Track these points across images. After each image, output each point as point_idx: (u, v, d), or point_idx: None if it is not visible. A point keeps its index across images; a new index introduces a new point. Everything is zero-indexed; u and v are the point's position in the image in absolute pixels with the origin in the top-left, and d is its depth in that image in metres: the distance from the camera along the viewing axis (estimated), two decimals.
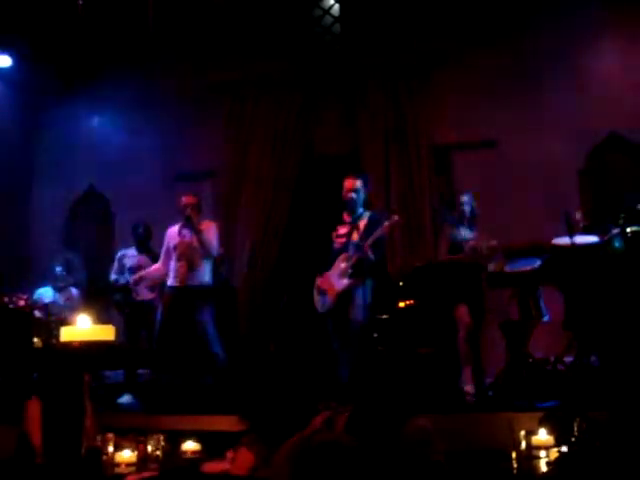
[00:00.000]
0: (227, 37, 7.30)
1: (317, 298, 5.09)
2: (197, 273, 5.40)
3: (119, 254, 6.29)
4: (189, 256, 5.38)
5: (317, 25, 7.56)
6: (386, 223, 4.89)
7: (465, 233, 5.21)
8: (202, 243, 5.37)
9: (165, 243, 5.58)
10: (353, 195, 5.03)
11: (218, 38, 7.31)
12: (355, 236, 4.97)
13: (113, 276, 6.19)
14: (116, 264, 6.23)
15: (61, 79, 7.59)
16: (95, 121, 7.82)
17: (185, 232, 5.45)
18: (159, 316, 5.45)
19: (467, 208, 5.23)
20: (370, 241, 4.83)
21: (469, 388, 4.81)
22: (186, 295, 5.35)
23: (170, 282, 5.45)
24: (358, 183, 5.08)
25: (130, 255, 6.18)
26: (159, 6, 6.60)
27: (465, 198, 5.25)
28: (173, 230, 5.57)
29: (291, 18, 7.40)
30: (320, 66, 7.27)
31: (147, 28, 6.68)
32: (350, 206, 5.06)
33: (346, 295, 4.91)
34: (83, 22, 6.72)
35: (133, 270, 5.99)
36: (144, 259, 6.09)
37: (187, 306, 5.34)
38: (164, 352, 5.31)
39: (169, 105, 7.41)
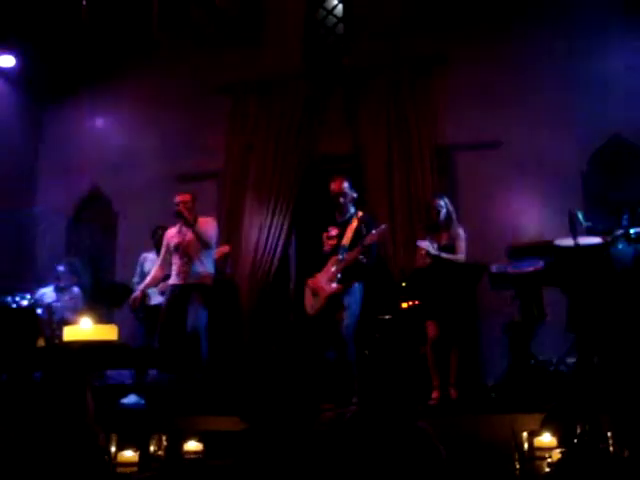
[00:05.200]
0: (229, 38, 7.30)
1: (309, 300, 5.09)
2: (197, 269, 5.40)
3: (141, 257, 6.26)
4: (190, 253, 5.39)
5: (321, 26, 7.56)
6: (373, 232, 4.90)
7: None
8: (197, 235, 5.36)
9: (164, 245, 5.58)
10: (341, 198, 5.06)
11: (221, 39, 7.31)
12: (345, 240, 4.98)
13: (135, 279, 6.13)
14: (138, 268, 6.20)
15: (64, 80, 7.60)
16: (98, 122, 7.82)
17: (185, 230, 5.46)
18: (160, 315, 5.43)
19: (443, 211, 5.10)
20: (354, 254, 4.84)
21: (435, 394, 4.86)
22: (186, 292, 5.36)
23: (172, 280, 5.46)
24: (345, 184, 5.10)
25: (150, 259, 6.12)
26: (162, 8, 6.63)
27: (441, 203, 5.13)
28: (172, 231, 5.58)
29: (294, 19, 7.40)
30: (323, 67, 7.26)
31: (150, 29, 6.70)
32: (340, 208, 5.09)
33: (335, 299, 4.91)
34: (87, 23, 6.75)
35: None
36: None
37: (186, 303, 5.34)
38: (167, 352, 5.30)
39: (172, 106, 7.41)
